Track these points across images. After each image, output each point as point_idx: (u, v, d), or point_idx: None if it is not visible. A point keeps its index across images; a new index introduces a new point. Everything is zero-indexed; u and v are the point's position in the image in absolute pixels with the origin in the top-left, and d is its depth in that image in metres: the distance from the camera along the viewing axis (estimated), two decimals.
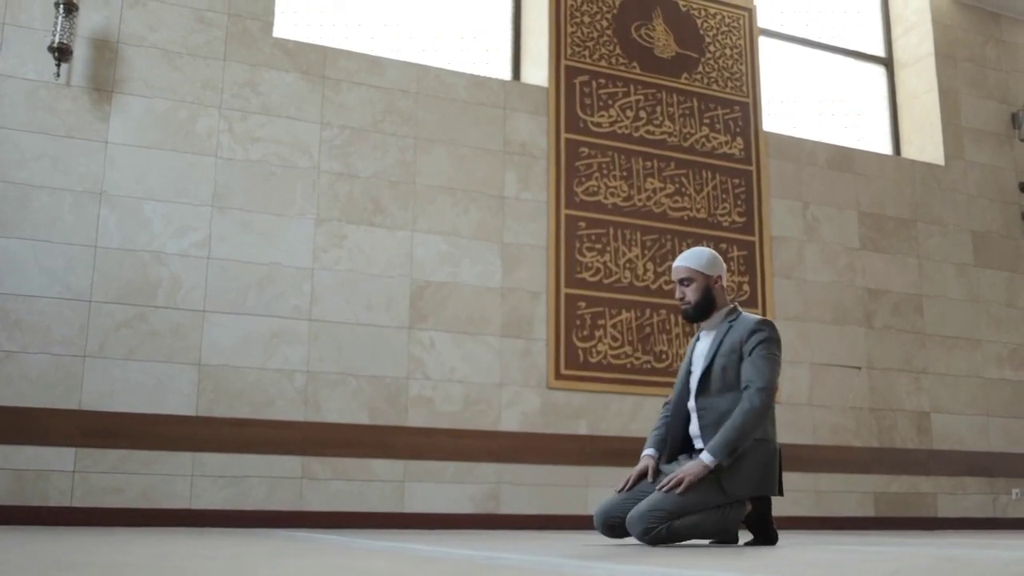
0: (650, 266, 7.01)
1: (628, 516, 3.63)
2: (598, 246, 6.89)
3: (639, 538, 3.59)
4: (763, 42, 8.27)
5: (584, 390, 6.67)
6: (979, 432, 8.10)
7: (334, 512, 5.86)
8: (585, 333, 6.73)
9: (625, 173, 7.09)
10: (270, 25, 6.33)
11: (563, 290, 6.72)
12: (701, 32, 7.68)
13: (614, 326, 6.82)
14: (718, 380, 3.76)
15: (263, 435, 5.80)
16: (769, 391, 3.65)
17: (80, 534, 4.06)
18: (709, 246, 6.63)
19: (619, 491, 3.89)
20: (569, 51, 7.14)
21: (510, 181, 6.79)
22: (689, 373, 3.90)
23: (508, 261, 6.65)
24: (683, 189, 7.26)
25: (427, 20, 7.21)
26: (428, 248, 6.44)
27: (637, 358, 6.84)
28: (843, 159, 8.07)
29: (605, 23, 7.33)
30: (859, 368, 7.69)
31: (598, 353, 6.74)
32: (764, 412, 3.65)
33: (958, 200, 8.52)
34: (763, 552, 3.21)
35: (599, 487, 6.56)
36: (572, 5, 7.23)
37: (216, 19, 6.19)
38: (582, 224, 6.87)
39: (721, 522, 3.67)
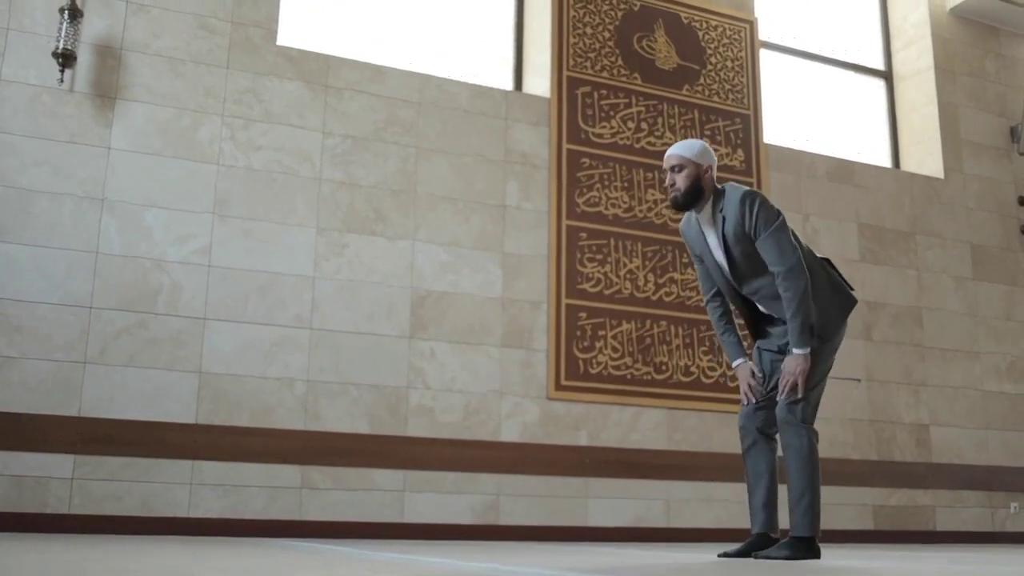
0: (651, 277, 7.01)
1: (778, 414, 3.82)
2: (599, 257, 6.89)
3: (791, 415, 3.78)
4: (764, 55, 8.29)
5: (584, 401, 6.66)
6: (978, 445, 8.10)
7: (334, 522, 5.84)
8: (586, 344, 6.72)
9: (626, 184, 7.10)
10: (273, 33, 6.34)
11: (564, 300, 6.71)
12: (702, 44, 7.70)
13: (614, 337, 6.81)
14: (745, 266, 3.88)
15: (263, 444, 5.78)
16: (794, 268, 3.75)
17: (80, 542, 4.03)
18: None
19: (746, 405, 4.02)
20: (571, 62, 7.15)
21: (511, 191, 6.79)
22: (718, 267, 3.99)
23: (509, 271, 6.65)
24: None
25: (430, 30, 7.21)
26: (429, 257, 6.44)
27: (637, 369, 6.84)
28: (843, 171, 8.09)
29: (607, 34, 7.34)
30: (859, 380, 7.69)
31: (598, 364, 6.73)
32: (806, 283, 3.76)
33: (957, 213, 8.54)
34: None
35: (599, 498, 6.55)
36: (574, 16, 7.24)
37: (219, 27, 6.19)
38: (583, 235, 6.87)
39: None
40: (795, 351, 3.76)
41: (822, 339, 3.84)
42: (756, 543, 3.82)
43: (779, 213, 3.82)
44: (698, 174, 3.90)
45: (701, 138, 7.42)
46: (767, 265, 3.80)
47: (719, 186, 3.94)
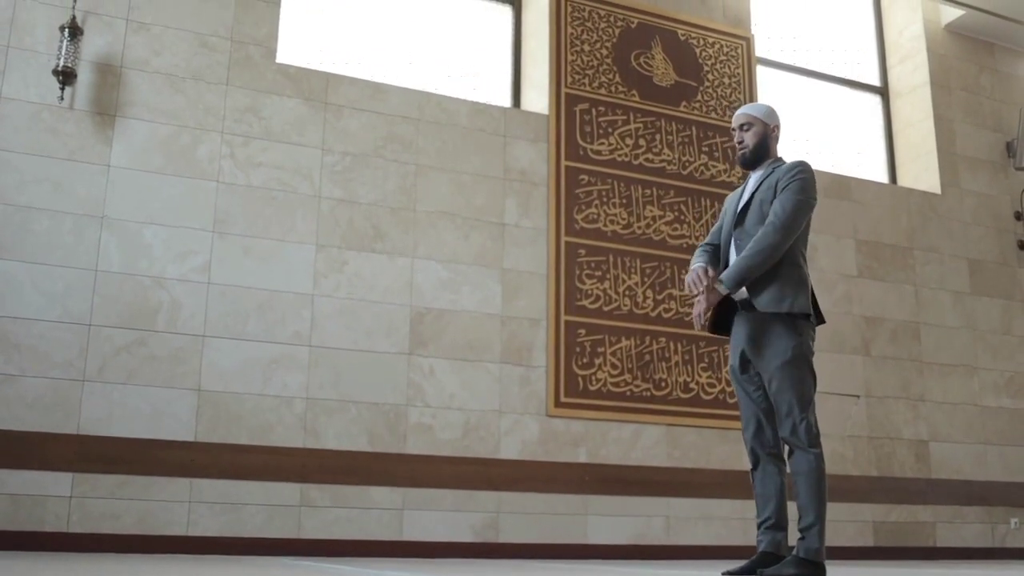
0: (650, 293, 7.02)
1: (783, 437, 3.83)
2: (598, 273, 6.89)
3: (796, 438, 3.77)
4: (760, 71, 8.32)
5: (584, 418, 6.65)
6: (977, 460, 8.10)
7: (333, 540, 5.82)
8: (585, 360, 6.71)
9: (625, 200, 7.11)
10: (273, 51, 6.35)
11: (563, 317, 6.71)
12: (700, 61, 7.73)
13: (614, 353, 6.81)
14: (755, 213, 3.96)
15: (262, 461, 5.77)
16: (787, 229, 3.82)
17: (78, 560, 4.02)
18: None
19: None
20: (569, 79, 7.16)
21: (510, 208, 6.79)
22: (734, 212, 4.08)
23: (508, 288, 6.65)
24: (682, 217, 7.28)
25: (428, 47, 7.23)
26: (428, 274, 6.44)
27: (637, 386, 6.83)
28: (840, 187, 8.11)
29: (605, 52, 7.36)
30: (858, 396, 7.69)
31: (598, 380, 6.72)
32: (778, 247, 3.82)
33: (954, 228, 8.56)
34: None
35: (599, 515, 6.53)
36: (572, 34, 7.27)
37: (219, 44, 6.20)
38: (582, 251, 6.88)
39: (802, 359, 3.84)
40: (722, 280, 3.84)
41: (819, 319, 3.93)
42: (761, 561, 3.81)
43: (814, 198, 3.93)
44: (765, 133, 4.07)
45: (699, 154, 7.44)
46: (769, 215, 3.88)
47: (780, 156, 4.11)
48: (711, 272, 3.98)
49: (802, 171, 3.95)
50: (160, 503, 5.51)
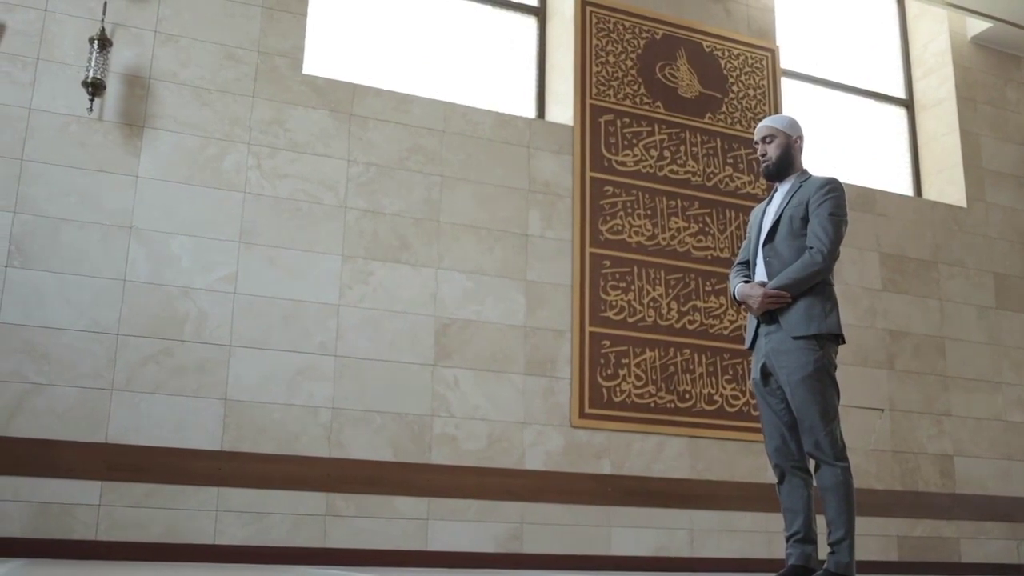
0: (674, 305, 7.01)
1: (807, 452, 3.84)
2: (622, 285, 6.89)
3: (821, 452, 3.78)
4: (785, 83, 8.30)
5: (608, 429, 6.64)
6: (1002, 476, 8.04)
7: (358, 549, 5.83)
8: (609, 372, 6.71)
9: (649, 212, 7.11)
10: (299, 62, 6.38)
11: (587, 328, 6.71)
12: (724, 72, 7.72)
13: (638, 365, 6.80)
14: (785, 228, 3.97)
15: (287, 471, 5.78)
16: (833, 256, 3.88)
17: (106, 568, 4.04)
18: None
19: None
20: (594, 90, 7.17)
21: (534, 219, 6.80)
22: (759, 227, 4.11)
23: (532, 299, 6.65)
24: (707, 228, 7.27)
25: (453, 58, 7.26)
26: (452, 286, 6.45)
27: (661, 397, 6.82)
28: (864, 200, 8.08)
29: (629, 63, 7.37)
30: (882, 410, 7.65)
31: (622, 392, 6.72)
32: (824, 272, 3.87)
33: (979, 242, 8.51)
34: None
35: (622, 527, 6.52)
36: (597, 45, 7.28)
37: (246, 56, 6.24)
38: (606, 263, 6.88)
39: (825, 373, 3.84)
40: (771, 286, 3.86)
41: (839, 338, 3.92)
42: (792, 574, 3.80)
43: (847, 216, 3.97)
44: (788, 144, 4.09)
45: (724, 166, 7.44)
46: (808, 240, 3.88)
47: (805, 169, 4.13)
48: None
49: (834, 188, 3.95)
50: (187, 512, 5.53)
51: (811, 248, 3.87)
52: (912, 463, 7.69)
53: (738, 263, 4.22)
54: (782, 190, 4.09)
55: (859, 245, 7.93)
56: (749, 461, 6.99)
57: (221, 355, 5.79)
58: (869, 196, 8.14)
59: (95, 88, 5.72)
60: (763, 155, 4.12)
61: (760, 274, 4.01)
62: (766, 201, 4.18)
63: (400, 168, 6.49)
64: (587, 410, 6.59)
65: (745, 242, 4.25)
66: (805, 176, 4.07)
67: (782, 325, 3.87)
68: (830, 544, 3.73)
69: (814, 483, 3.89)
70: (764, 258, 4.01)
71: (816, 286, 3.87)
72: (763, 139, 4.12)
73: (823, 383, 3.81)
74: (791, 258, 3.91)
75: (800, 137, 4.13)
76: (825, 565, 3.72)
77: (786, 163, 4.08)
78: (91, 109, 5.75)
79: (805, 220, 3.93)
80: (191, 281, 5.81)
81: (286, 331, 5.97)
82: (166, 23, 6.09)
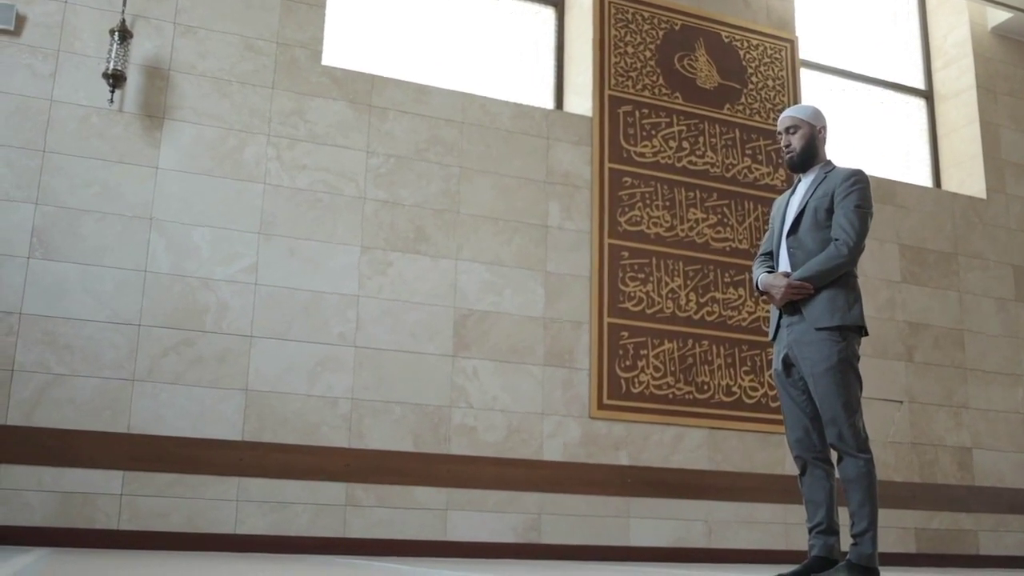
0: (692, 296, 7.00)
1: (830, 443, 3.82)
2: (641, 276, 6.88)
3: (843, 443, 3.76)
4: (804, 74, 8.27)
5: (626, 420, 6.64)
6: (1020, 469, 8.01)
7: (377, 539, 5.85)
8: (627, 363, 6.71)
9: (668, 203, 7.10)
10: (318, 53, 6.39)
11: (606, 320, 6.71)
12: (743, 63, 7.70)
13: (656, 356, 6.80)
14: (809, 218, 3.94)
15: (307, 462, 5.81)
16: (859, 249, 3.87)
17: (128, 557, 4.06)
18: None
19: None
20: (612, 81, 7.16)
21: (553, 210, 6.80)
22: (782, 218, 4.08)
23: (551, 290, 6.66)
24: (725, 220, 7.25)
25: (472, 49, 7.25)
26: (471, 277, 6.45)
27: (679, 389, 6.82)
28: (884, 191, 8.04)
29: (648, 54, 7.35)
30: (901, 402, 7.63)
31: (640, 383, 6.72)
32: (849, 265, 3.85)
33: (999, 234, 8.47)
34: None
35: (640, 518, 6.52)
36: (615, 36, 7.26)
37: (265, 47, 6.25)
38: (625, 254, 6.87)
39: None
40: (794, 277, 3.83)
41: (862, 330, 3.90)
42: (815, 565, 3.80)
43: (872, 208, 3.94)
44: (812, 134, 4.05)
45: (743, 157, 7.42)
46: (834, 232, 3.86)
47: (830, 159, 4.08)
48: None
49: (859, 180, 3.92)
50: (208, 502, 5.56)
51: (836, 240, 3.85)
52: (930, 455, 7.67)
53: (761, 253, 4.20)
54: (806, 181, 4.07)
55: (879, 237, 7.90)
56: (767, 453, 6.99)
57: (241, 346, 5.81)
58: (888, 187, 8.10)
59: (116, 80, 5.74)
60: (787, 146, 4.08)
61: (784, 265, 3.99)
62: (789, 192, 4.16)
63: (419, 159, 6.50)
64: (605, 401, 6.59)
65: (768, 233, 4.22)
66: (830, 167, 4.05)
67: (805, 316, 3.86)
68: (853, 535, 3.72)
69: (836, 474, 3.88)
70: (788, 249, 3.98)
71: (840, 278, 3.85)
72: (787, 129, 4.09)
73: (846, 375, 3.79)
74: (815, 249, 3.89)
75: (824, 127, 4.09)
76: (848, 556, 3.71)
77: (810, 154, 4.05)
78: (112, 101, 5.77)
79: (830, 211, 3.90)
80: (211, 272, 5.83)
81: (306, 322, 5.98)
82: (185, 15, 6.11)
